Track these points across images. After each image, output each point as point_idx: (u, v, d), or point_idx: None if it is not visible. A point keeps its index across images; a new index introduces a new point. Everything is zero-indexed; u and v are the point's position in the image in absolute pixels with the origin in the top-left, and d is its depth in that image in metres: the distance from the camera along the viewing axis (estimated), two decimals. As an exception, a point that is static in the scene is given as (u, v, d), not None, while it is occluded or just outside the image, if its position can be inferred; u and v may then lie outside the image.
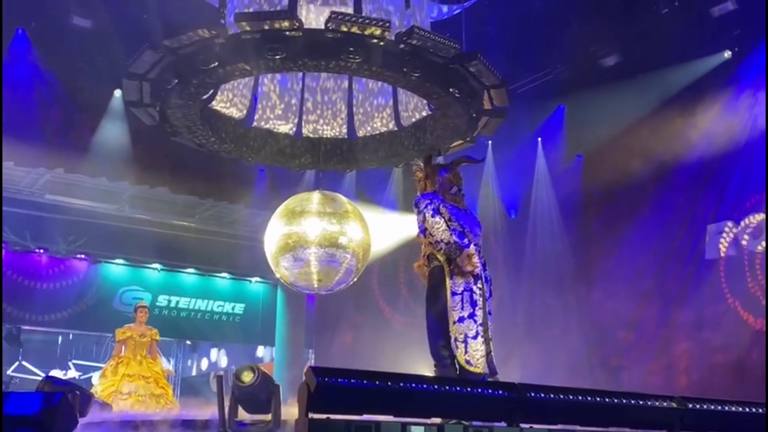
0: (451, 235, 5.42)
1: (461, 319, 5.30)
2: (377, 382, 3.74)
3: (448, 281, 5.41)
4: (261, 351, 17.50)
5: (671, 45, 10.74)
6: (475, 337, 5.28)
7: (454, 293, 5.36)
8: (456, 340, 5.27)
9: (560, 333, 11.92)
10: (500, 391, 4.16)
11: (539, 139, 13.12)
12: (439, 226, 5.40)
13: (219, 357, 18.37)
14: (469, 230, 5.59)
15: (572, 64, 11.90)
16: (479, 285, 5.43)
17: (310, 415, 3.52)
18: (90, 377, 15.26)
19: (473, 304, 5.35)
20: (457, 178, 5.79)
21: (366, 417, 3.70)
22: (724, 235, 10.61)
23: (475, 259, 5.43)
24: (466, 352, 5.23)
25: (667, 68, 11.01)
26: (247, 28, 7.51)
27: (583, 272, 12.20)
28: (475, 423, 3.99)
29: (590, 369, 11.65)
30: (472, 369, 5.21)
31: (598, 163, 12.10)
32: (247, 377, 5.26)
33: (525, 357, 11.96)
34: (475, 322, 5.32)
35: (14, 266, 13.14)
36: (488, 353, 5.39)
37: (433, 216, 5.44)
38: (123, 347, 9.60)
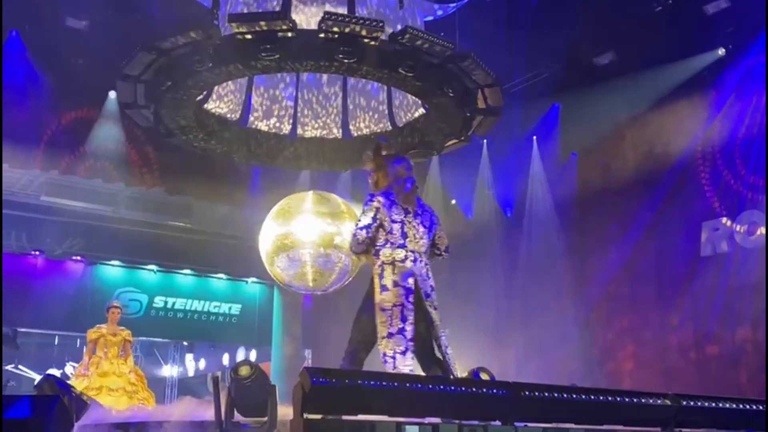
0: (359, 244, 5.37)
1: (389, 335, 5.20)
2: (372, 382, 3.75)
3: (377, 295, 5.32)
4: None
5: (665, 43, 10.77)
6: (403, 353, 5.17)
7: (383, 309, 5.25)
8: (386, 355, 5.19)
9: (556, 331, 11.95)
10: (495, 390, 4.17)
11: (534, 137, 13.15)
12: (362, 234, 5.34)
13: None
14: (412, 238, 5.38)
15: (566, 62, 11.94)
16: (411, 299, 5.26)
17: (305, 415, 3.52)
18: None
19: (403, 319, 5.23)
20: (409, 171, 5.60)
21: (361, 417, 3.71)
22: (720, 232, 10.64)
23: (403, 268, 5.29)
24: (394, 367, 5.13)
25: (661, 66, 11.04)
26: (241, 30, 7.50)
27: (579, 269, 12.23)
28: (469, 422, 3.99)
29: (586, 366, 11.69)
30: None
31: (593, 160, 12.15)
32: (244, 371, 5.24)
33: (521, 354, 12.00)
34: (405, 337, 5.20)
35: (10, 268, 13.09)
36: (447, 367, 5.30)
37: (365, 221, 5.36)
38: (95, 347, 9.44)
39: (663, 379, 10.71)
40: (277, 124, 9.75)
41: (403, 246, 5.35)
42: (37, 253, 13.58)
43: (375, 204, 5.39)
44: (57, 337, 15.96)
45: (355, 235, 5.41)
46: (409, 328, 5.23)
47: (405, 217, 5.42)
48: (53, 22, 10.86)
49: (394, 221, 5.36)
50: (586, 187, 12.31)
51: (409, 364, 5.18)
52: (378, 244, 5.39)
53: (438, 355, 5.39)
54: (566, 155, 12.77)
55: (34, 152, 11.43)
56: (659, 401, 4.54)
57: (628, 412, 4.42)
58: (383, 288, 5.30)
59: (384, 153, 5.70)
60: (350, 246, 5.55)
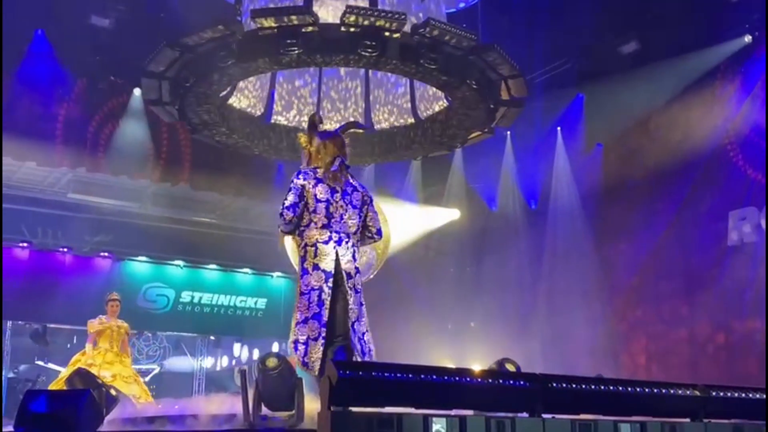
0: (287, 224, 5.10)
1: (305, 321, 4.99)
2: (398, 375, 3.76)
3: (298, 281, 5.14)
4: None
5: (690, 31, 10.65)
6: (316, 339, 4.96)
7: (301, 293, 5.06)
8: (297, 342, 4.99)
9: (581, 322, 11.90)
10: (522, 382, 4.17)
11: (558, 128, 13.07)
12: (288, 214, 5.06)
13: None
14: (338, 218, 5.13)
15: (590, 52, 11.85)
16: (330, 283, 5.03)
17: (333, 408, 3.54)
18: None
19: (320, 304, 4.99)
20: (341, 149, 5.28)
21: (388, 409, 3.72)
22: (747, 221, 10.51)
23: (325, 250, 5.06)
24: (305, 354, 4.95)
25: (686, 54, 10.90)
26: (263, 25, 7.53)
27: (604, 260, 12.15)
28: (497, 414, 3.99)
29: (613, 356, 11.62)
30: (307, 371, 4.92)
31: (618, 151, 12.05)
32: (271, 362, 5.29)
33: (547, 345, 11.96)
34: (319, 322, 4.98)
35: (39, 265, 13.27)
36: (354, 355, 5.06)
37: (291, 199, 5.09)
38: (96, 339, 9.21)
39: (690, 369, 10.62)
40: (297, 117, 9.78)
41: (327, 227, 5.10)
42: (66, 249, 13.73)
43: (299, 182, 5.13)
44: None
45: (281, 215, 5.11)
46: (324, 312, 5.00)
47: (331, 196, 5.13)
48: (78, 20, 10.97)
49: (318, 200, 5.09)
50: (611, 177, 12.22)
51: (318, 350, 4.96)
52: (302, 225, 5.14)
53: (353, 340, 5.10)
54: (591, 146, 12.68)
55: (61, 150, 11.56)
56: (688, 392, 4.51)
57: (657, 403, 4.40)
58: (304, 272, 5.08)
59: (319, 129, 5.46)
60: (279, 226, 5.21)
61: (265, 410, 5.30)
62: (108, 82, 11.69)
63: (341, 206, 5.16)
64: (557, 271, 12.69)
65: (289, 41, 7.50)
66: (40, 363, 14.13)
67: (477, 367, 9.75)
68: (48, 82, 11.29)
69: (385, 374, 3.73)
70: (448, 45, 7.95)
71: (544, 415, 4.05)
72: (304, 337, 4.99)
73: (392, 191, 13.83)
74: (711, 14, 10.45)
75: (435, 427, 3.69)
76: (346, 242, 5.15)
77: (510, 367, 5.70)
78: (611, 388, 4.25)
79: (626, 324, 11.87)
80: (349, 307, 5.10)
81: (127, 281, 14.46)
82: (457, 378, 3.99)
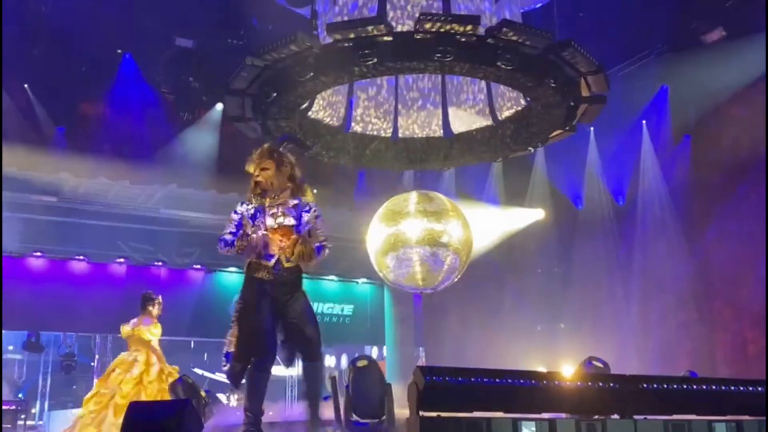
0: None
1: None
2: (485, 379, 3.77)
3: None
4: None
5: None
6: None
7: None
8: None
9: (675, 317, 11.58)
10: (612, 384, 4.12)
11: (644, 121, 12.79)
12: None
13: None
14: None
15: (673, 43, 11.54)
16: None
17: (421, 413, 3.58)
18: (206, 380, 15.79)
19: None
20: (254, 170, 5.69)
21: (476, 414, 3.74)
22: None
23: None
24: None
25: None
26: (339, 37, 7.63)
27: (697, 254, 11.79)
28: (587, 417, 3.95)
29: (711, 358, 11.26)
30: None
31: (708, 141, 11.68)
32: (362, 363, 5.48)
33: (639, 345, 11.70)
34: None
35: (136, 279, 13.76)
36: None
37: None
38: (128, 343, 9.15)
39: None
40: (365, 118, 9.83)
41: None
42: (160, 263, 14.21)
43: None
44: (186, 342, 16.60)
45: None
46: None
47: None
48: (163, 43, 11.39)
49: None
50: (701, 169, 11.86)
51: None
52: None
53: None
54: (678, 138, 12.35)
55: (153, 168, 12.01)
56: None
57: (754, 401, 4.27)
58: None
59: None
60: None
61: (355, 417, 5.40)
62: (193, 100, 12.08)
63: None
64: (648, 268, 12.39)
65: (364, 52, 7.57)
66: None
67: (568, 368, 9.64)
68: (137, 103, 11.76)
69: (473, 379, 3.75)
70: (524, 45, 7.87)
71: (636, 417, 3.99)
72: None
73: (474, 194, 13.78)
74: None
75: (524, 431, 3.69)
76: None
77: (596, 365, 5.65)
78: (704, 387, 4.15)
79: (721, 320, 11.48)
80: None
81: (220, 292, 14.84)
82: (545, 381, 3.98)
